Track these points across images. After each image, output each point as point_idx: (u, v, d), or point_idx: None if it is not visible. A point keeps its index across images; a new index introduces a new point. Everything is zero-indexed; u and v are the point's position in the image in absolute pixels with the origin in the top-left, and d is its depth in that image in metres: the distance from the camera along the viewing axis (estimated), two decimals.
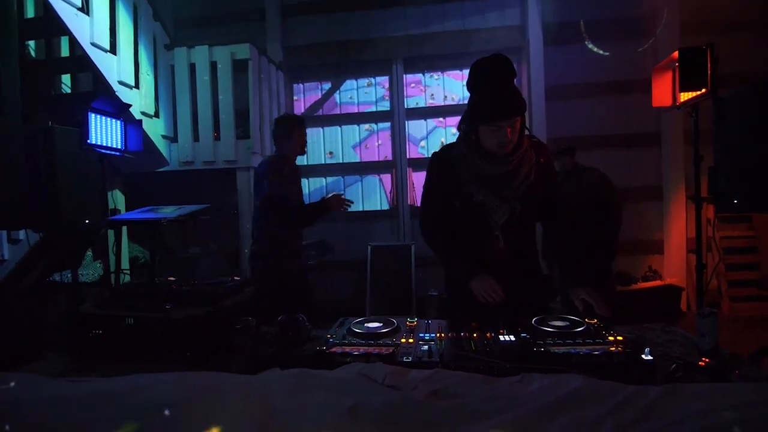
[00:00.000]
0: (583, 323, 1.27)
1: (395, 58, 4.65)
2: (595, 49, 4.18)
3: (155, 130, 3.48)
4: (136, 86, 3.28)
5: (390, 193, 4.74)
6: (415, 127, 4.77)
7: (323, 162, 4.85)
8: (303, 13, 4.69)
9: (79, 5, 2.77)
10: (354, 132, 4.85)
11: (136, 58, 3.31)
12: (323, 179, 4.85)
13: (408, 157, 4.68)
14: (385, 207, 4.77)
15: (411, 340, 1.21)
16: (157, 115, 3.51)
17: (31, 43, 3.32)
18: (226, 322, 1.36)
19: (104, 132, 1.97)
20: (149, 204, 2.71)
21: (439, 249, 1.61)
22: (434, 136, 4.76)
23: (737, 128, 1.83)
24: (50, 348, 1.45)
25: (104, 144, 1.99)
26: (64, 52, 3.45)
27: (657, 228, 4.27)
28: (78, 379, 1.07)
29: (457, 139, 1.54)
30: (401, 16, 4.61)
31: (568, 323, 1.28)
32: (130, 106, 2.18)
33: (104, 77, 3.00)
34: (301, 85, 4.89)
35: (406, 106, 4.70)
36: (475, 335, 1.24)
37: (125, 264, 3.68)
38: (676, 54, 1.88)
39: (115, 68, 3.10)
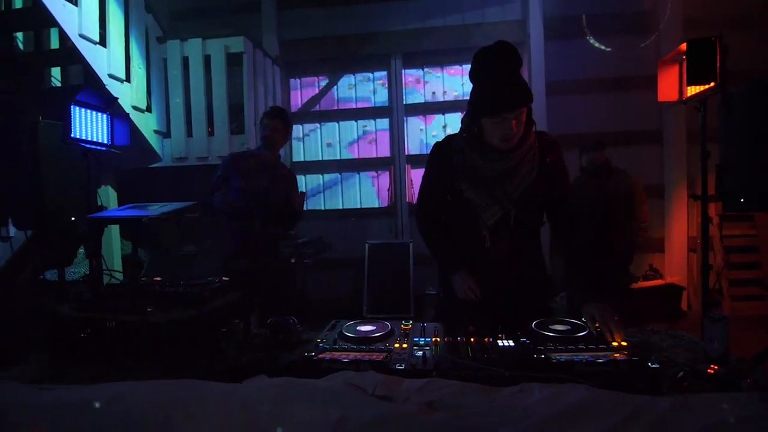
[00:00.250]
0: (586, 327, 1.22)
1: (394, 53, 4.57)
2: (597, 45, 4.11)
3: (147, 124, 3.40)
4: (127, 80, 3.20)
5: (388, 190, 4.67)
6: (414, 124, 4.70)
7: (320, 158, 4.78)
8: (300, 6, 4.61)
9: None
10: (352, 128, 4.78)
11: (127, 51, 3.23)
12: (320, 176, 4.78)
13: (406, 153, 4.62)
14: (379, 205, 4.70)
15: (405, 345, 1.15)
16: (149, 109, 3.44)
17: (19, 35, 3.23)
18: (212, 326, 1.29)
19: (89, 126, 1.90)
20: (142, 201, 2.65)
21: (431, 243, 1.55)
22: (434, 132, 4.69)
23: (744, 125, 1.77)
24: (35, 349, 1.39)
25: (89, 138, 1.92)
26: (54, 44, 3.37)
27: (658, 226, 4.21)
28: (50, 387, 1.00)
29: (460, 130, 1.45)
30: (400, 11, 4.53)
31: (569, 327, 1.22)
32: (117, 99, 2.10)
33: (93, 70, 2.92)
34: (297, 80, 4.81)
35: (405, 102, 4.62)
36: (472, 340, 1.18)
37: (117, 263, 3.62)
38: (683, 46, 1.81)
39: (105, 61, 3.02)
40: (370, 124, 4.76)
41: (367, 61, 4.65)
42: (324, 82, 4.79)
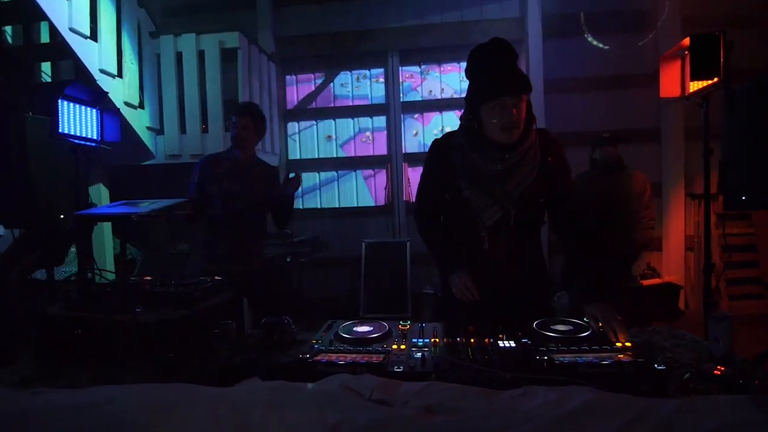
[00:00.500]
0: (588, 327, 1.19)
1: (391, 50, 4.53)
2: (595, 43, 4.09)
3: (140, 121, 3.34)
4: (119, 75, 3.14)
5: (385, 188, 4.64)
6: (411, 122, 4.66)
7: (317, 156, 4.74)
8: (295, 2, 4.56)
9: None
10: (348, 126, 4.74)
11: (119, 46, 3.17)
12: (317, 174, 4.74)
13: (404, 152, 4.59)
14: (375, 204, 4.67)
15: (403, 347, 1.11)
16: (141, 105, 3.38)
17: (8, 28, 3.16)
18: (204, 326, 1.26)
19: (78, 121, 1.85)
20: (134, 198, 2.60)
21: (430, 242, 1.52)
22: (431, 130, 4.65)
23: (746, 123, 1.75)
24: (26, 350, 1.34)
25: (78, 134, 1.87)
26: (44, 38, 3.30)
27: (656, 225, 4.19)
28: (39, 391, 0.97)
29: (459, 127, 1.43)
30: (397, 7, 4.49)
31: (571, 327, 1.20)
32: (107, 93, 2.05)
33: (84, 65, 2.86)
34: (293, 77, 4.76)
35: (402, 100, 4.59)
36: (472, 341, 1.14)
37: (110, 261, 3.56)
38: (686, 41, 1.78)
39: (96, 56, 2.96)
40: (367, 122, 4.72)
41: (364, 58, 4.61)
42: (320, 80, 4.75)
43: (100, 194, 3.54)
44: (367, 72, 4.70)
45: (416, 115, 4.66)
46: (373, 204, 4.68)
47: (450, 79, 4.63)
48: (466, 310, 1.41)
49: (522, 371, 0.95)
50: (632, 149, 4.20)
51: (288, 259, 3.15)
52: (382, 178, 4.68)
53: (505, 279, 1.42)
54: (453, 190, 1.39)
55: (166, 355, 1.13)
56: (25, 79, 3.11)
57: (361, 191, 4.71)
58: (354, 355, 1.06)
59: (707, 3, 3.94)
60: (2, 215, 2.31)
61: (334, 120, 4.74)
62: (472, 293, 1.37)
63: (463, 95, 1.42)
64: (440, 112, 4.60)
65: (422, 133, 4.66)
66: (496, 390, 0.88)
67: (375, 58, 4.60)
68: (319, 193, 4.73)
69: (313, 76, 4.77)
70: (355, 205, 4.68)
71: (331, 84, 4.75)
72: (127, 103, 3.21)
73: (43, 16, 2.64)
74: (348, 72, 4.71)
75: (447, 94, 4.61)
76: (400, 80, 4.59)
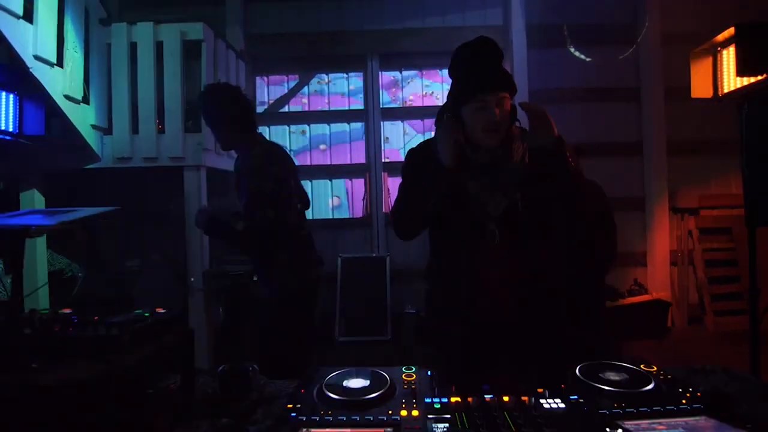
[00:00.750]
0: (649, 377, 0.92)
1: (370, 54, 4.30)
2: (578, 54, 4.02)
3: (83, 118, 2.90)
4: (59, 64, 2.70)
5: (363, 199, 4.34)
6: (391, 129, 4.41)
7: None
8: None
9: None
10: (324, 132, 4.43)
11: (60, 31, 2.73)
12: None
13: (383, 160, 4.32)
14: (352, 215, 4.36)
15: (416, 413, 0.81)
16: (86, 100, 2.93)
17: None
18: (133, 387, 0.90)
19: None
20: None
21: (406, 204, 1.32)
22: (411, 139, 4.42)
23: None
24: None
25: None
26: None
27: (639, 240, 4.13)
28: None
29: (436, 132, 1.31)
30: (378, 9, 4.28)
31: (626, 377, 0.93)
32: (29, 68, 1.63)
33: (14, 49, 2.42)
34: (264, 78, 4.43)
35: (381, 105, 4.34)
36: (506, 399, 0.85)
37: (42, 280, 3.04)
38: (721, 36, 1.61)
39: (31, 39, 2.52)
40: (343, 128, 4.43)
41: (342, 60, 4.35)
42: (294, 82, 4.44)
43: (33, 202, 3.04)
44: (344, 75, 4.43)
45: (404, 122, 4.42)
46: (352, 215, 4.36)
47: (431, 86, 4.44)
48: (457, 334, 1.28)
49: None
50: (615, 162, 4.16)
51: (254, 278, 2.77)
52: (359, 187, 4.38)
53: (518, 283, 1.27)
54: (448, 188, 1.25)
55: None
56: None
57: (340, 201, 4.39)
58: (351, 430, 0.74)
59: (687, 19, 3.96)
60: None
61: (308, 125, 4.42)
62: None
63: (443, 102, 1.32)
64: (422, 119, 4.38)
65: (404, 136, 4.42)
66: None
67: (353, 61, 4.35)
68: None
69: (286, 78, 4.45)
70: (330, 216, 4.36)
71: (306, 87, 4.44)
72: (67, 97, 2.76)
73: None
74: (324, 75, 4.43)
75: (428, 101, 4.41)
76: (380, 85, 4.35)
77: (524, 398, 0.85)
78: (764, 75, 1.49)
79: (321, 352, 3.39)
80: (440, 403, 0.84)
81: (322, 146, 4.41)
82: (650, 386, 0.88)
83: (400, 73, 4.42)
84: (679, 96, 3.97)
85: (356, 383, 0.91)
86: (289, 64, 4.39)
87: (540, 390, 0.88)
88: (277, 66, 4.39)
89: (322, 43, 4.25)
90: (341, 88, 4.44)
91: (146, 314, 1.08)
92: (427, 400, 0.86)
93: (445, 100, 1.34)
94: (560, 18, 4.06)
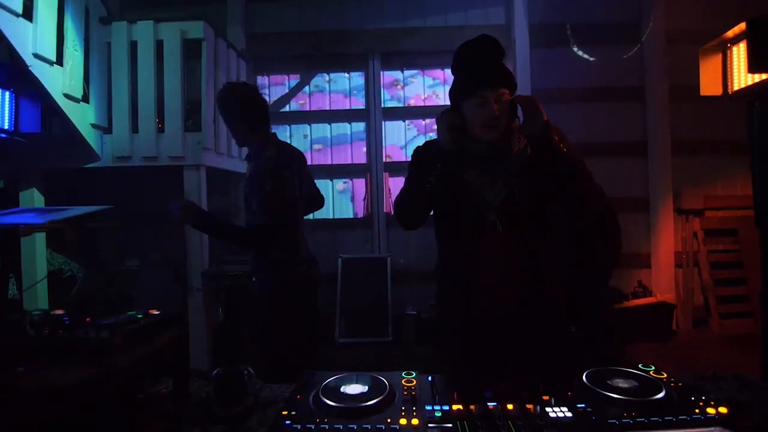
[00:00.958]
0: (659, 384, 0.89)
1: (372, 53, 4.27)
2: (581, 54, 3.98)
3: (83, 117, 2.88)
4: (59, 63, 2.68)
5: (364, 199, 4.31)
6: (392, 129, 4.38)
7: None
8: None
9: None
10: (325, 131, 4.41)
11: (60, 29, 2.72)
12: None
13: (384, 160, 4.29)
14: (353, 216, 4.32)
15: (416, 422, 0.77)
16: (86, 99, 2.91)
17: None
18: (123, 391, 0.87)
19: None
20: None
21: (408, 193, 1.34)
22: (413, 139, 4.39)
23: None
24: None
25: None
26: None
27: (644, 241, 4.08)
28: None
29: (436, 120, 1.36)
30: (379, 8, 4.25)
31: (636, 384, 0.90)
32: (28, 66, 1.61)
33: (14, 47, 2.40)
34: (265, 78, 4.40)
35: (383, 105, 4.31)
36: (509, 407, 0.82)
37: (42, 278, 3.02)
38: (731, 32, 1.57)
39: (30, 37, 2.50)
40: (344, 128, 4.41)
41: (343, 60, 4.33)
42: (295, 81, 4.41)
43: (33, 201, 3.03)
44: (345, 75, 4.41)
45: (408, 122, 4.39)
46: (353, 215, 4.33)
47: (433, 85, 4.40)
48: (468, 332, 1.28)
49: None
50: (618, 163, 4.11)
51: (254, 279, 2.75)
52: (360, 187, 4.35)
53: (522, 276, 1.27)
54: (451, 179, 1.28)
55: None
56: None
57: (341, 201, 4.37)
58: None
59: (692, 18, 3.92)
60: None
61: (309, 125, 4.40)
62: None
63: (447, 104, 1.34)
64: (423, 119, 4.35)
65: (405, 136, 4.38)
66: None
67: (355, 60, 4.32)
68: None
69: (287, 77, 4.43)
70: (331, 217, 4.32)
71: (307, 87, 4.42)
72: (67, 95, 2.74)
73: None
74: (326, 74, 4.40)
75: (430, 101, 4.37)
76: (381, 84, 4.32)
77: (529, 406, 0.82)
78: None
79: (321, 353, 3.36)
80: (441, 411, 0.81)
81: (316, 146, 4.38)
82: (661, 394, 0.84)
83: (402, 72, 4.39)
84: (683, 95, 3.93)
85: (354, 389, 0.88)
86: (290, 63, 4.36)
87: (545, 397, 0.84)
88: (278, 65, 4.37)
89: (323, 42, 4.22)
90: (342, 87, 4.42)
91: (139, 316, 1.06)
92: (428, 407, 0.82)
93: (446, 100, 1.36)
94: (563, 17, 4.02)
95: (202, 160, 3.06)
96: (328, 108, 4.40)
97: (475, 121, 1.24)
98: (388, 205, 4.23)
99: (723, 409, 0.79)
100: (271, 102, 4.42)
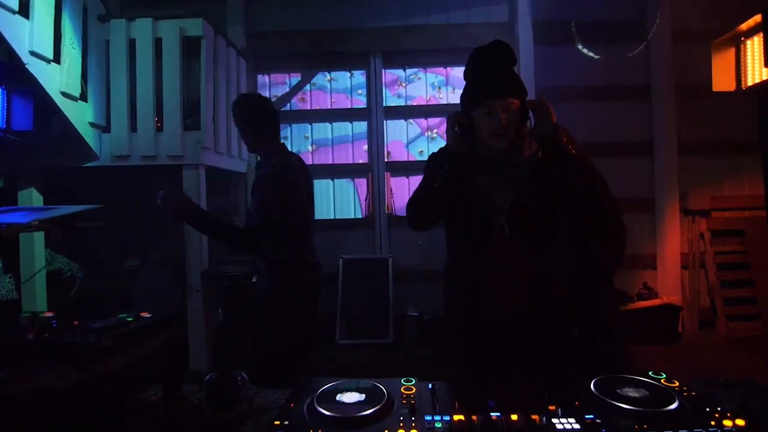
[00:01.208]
0: (671, 393, 0.84)
1: (373, 52, 4.23)
2: (586, 51, 3.92)
3: (81, 115, 2.85)
4: (56, 60, 2.65)
5: (365, 199, 4.27)
6: (394, 128, 4.34)
7: None
8: None
9: None
10: (326, 131, 4.37)
11: (57, 27, 2.69)
12: None
13: (386, 160, 4.24)
14: (354, 216, 4.28)
15: None
16: (84, 98, 2.89)
17: None
18: (111, 398, 0.83)
19: None
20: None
21: (422, 194, 1.34)
22: (417, 139, 4.34)
23: None
24: None
25: None
26: None
27: (649, 242, 4.02)
28: None
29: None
30: (380, 6, 4.21)
31: (646, 393, 0.85)
32: (24, 64, 1.58)
33: (10, 44, 2.37)
34: (266, 77, 4.37)
35: (384, 104, 4.27)
36: (513, 417, 0.78)
37: (40, 277, 3.00)
38: (745, 25, 1.52)
39: (27, 34, 2.48)
40: (345, 127, 4.37)
41: (344, 58, 4.28)
42: (296, 80, 4.37)
43: (32, 200, 3.01)
44: (347, 74, 4.37)
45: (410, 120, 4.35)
46: (354, 215, 4.29)
47: (435, 84, 4.35)
48: (474, 334, 1.28)
49: None
50: (624, 163, 4.05)
51: (253, 279, 2.72)
52: (362, 187, 4.31)
53: (529, 280, 1.26)
54: (461, 181, 1.29)
55: None
56: None
57: (342, 201, 4.32)
58: None
59: (698, 16, 3.86)
60: None
61: (310, 124, 4.36)
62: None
63: (449, 102, 1.34)
64: (425, 118, 4.30)
65: (407, 136, 4.34)
66: None
67: (356, 59, 4.28)
68: None
69: (287, 76, 4.39)
70: (332, 217, 4.29)
71: (308, 86, 4.38)
72: (65, 94, 2.71)
73: None
74: (327, 73, 4.36)
75: (432, 100, 4.32)
76: (383, 83, 4.28)
77: (534, 417, 0.77)
78: None
79: (321, 355, 3.32)
80: (441, 421, 0.77)
81: (311, 147, 4.34)
82: (674, 405, 0.80)
83: (404, 71, 4.35)
84: (690, 94, 3.87)
85: (350, 397, 0.84)
86: (290, 62, 4.32)
87: (552, 407, 0.80)
88: (278, 64, 4.33)
89: (324, 40, 4.18)
90: (344, 85, 4.38)
91: (129, 319, 1.02)
92: (428, 417, 0.78)
93: (448, 98, 1.35)
94: (568, 14, 3.96)
95: (201, 159, 3.03)
96: (329, 107, 4.36)
97: (484, 129, 1.26)
98: (389, 206, 4.19)
99: (740, 422, 0.75)
100: (272, 101, 4.38)
